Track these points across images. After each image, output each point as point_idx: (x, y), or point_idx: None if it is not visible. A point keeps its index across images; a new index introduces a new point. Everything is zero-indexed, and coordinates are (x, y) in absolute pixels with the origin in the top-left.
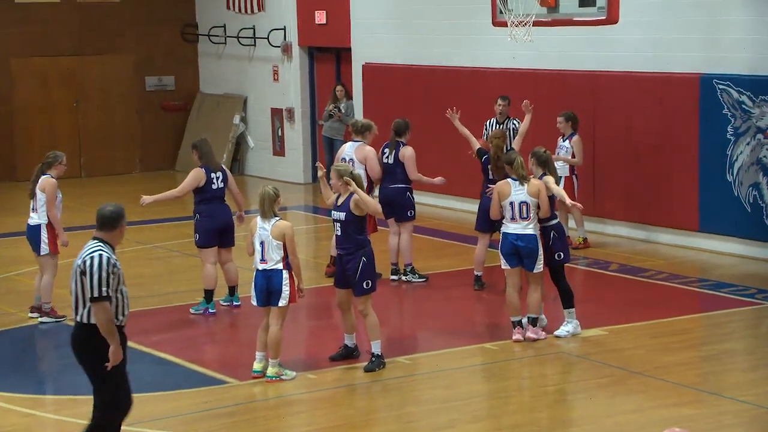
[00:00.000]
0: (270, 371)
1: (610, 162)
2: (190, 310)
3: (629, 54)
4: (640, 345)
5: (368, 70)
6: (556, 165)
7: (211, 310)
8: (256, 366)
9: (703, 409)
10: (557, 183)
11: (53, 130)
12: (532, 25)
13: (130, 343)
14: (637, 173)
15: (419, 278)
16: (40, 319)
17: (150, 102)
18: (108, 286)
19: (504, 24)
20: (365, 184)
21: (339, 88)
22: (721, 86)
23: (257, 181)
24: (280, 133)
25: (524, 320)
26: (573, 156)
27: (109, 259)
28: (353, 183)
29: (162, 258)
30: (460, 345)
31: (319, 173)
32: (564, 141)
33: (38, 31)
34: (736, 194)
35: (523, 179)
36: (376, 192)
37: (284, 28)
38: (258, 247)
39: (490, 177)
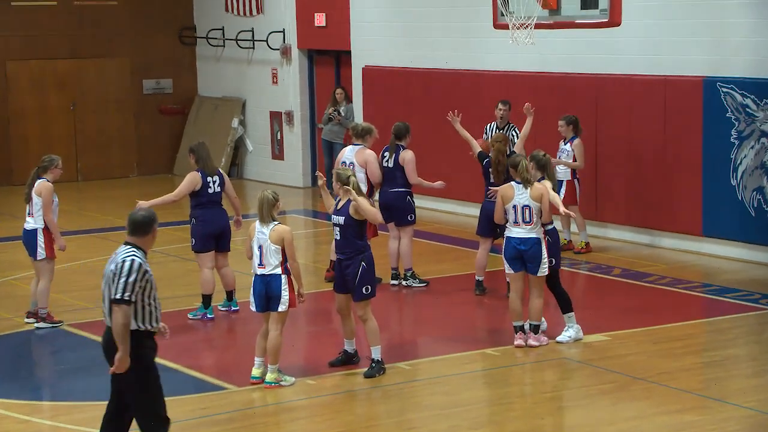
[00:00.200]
0: (269, 377)
1: (612, 166)
2: (188, 315)
3: (632, 57)
4: (643, 351)
5: (368, 73)
6: (558, 169)
7: (209, 316)
8: (255, 372)
9: (706, 415)
10: (555, 187)
11: (50, 133)
12: (534, 28)
13: None
14: (640, 177)
15: (420, 283)
16: (36, 325)
17: (147, 105)
18: (132, 291)
19: (505, 26)
20: (365, 189)
21: (339, 91)
22: (724, 89)
23: (256, 185)
24: (279, 137)
25: (526, 326)
26: (574, 159)
27: (141, 264)
28: (353, 191)
29: (159, 263)
30: (461, 351)
31: (320, 182)
32: (565, 144)
33: (35, 34)
34: (740, 198)
35: (527, 183)
36: (377, 196)
37: (283, 31)
38: (256, 252)
39: (491, 181)
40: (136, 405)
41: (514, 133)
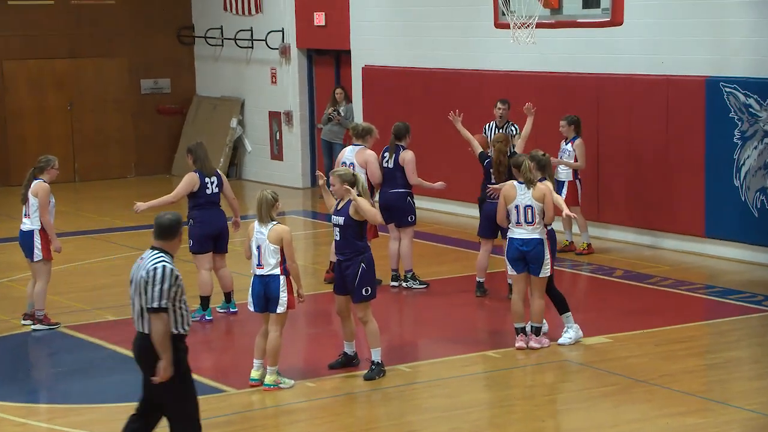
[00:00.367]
0: (268, 379)
1: (614, 166)
2: None
3: (634, 56)
4: (645, 353)
5: (368, 73)
6: (559, 169)
7: (207, 317)
8: (254, 374)
9: (709, 418)
10: (555, 188)
11: (47, 133)
12: (535, 27)
13: (124, 351)
14: (642, 178)
15: (420, 285)
16: (33, 327)
17: (145, 105)
18: (168, 297)
19: (506, 26)
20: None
21: (338, 91)
22: (727, 89)
23: (255, 186)
24: (278, 137)
25: (527, 328)
26: (576, 160)
27: (172, 270)
28: (353, 192)
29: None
30: (461, 353)
31: (320, 182)
32: (567, 144)
33: (32, 34)
34: (743, 199)
35: (529, 183)
36: (377, 197)
37: (282, 30)
38: (255, 252)
39: (492, 181)
40: (174, 410)
41: (515, 129)
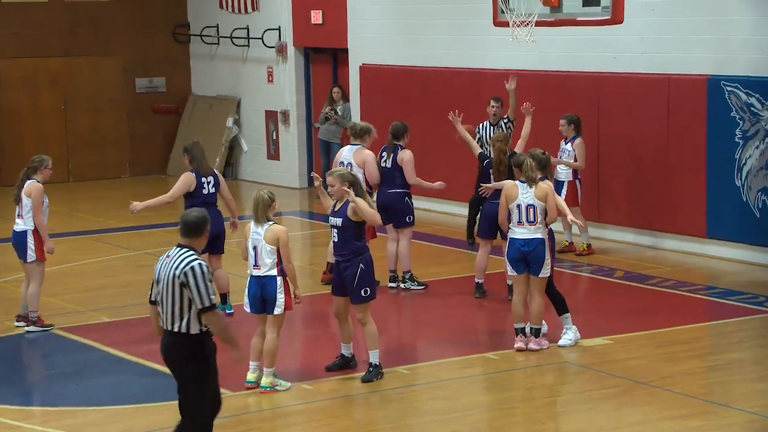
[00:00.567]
0: (264, 381)
1: (614, 166)
2: None
3: (634, 55)
4: (646, 354)
5: (366, 72)
6: (559, 169)
7: None
8: (250, 376)
9: (710, 420)
10: (554, 187)
11: (41, 133)
12: (535, 26)
13: (119, 353)
14: (643, 178)
15: (418, 286)
16: (26, 328)
17: (140, 104)
18: (213, 293)
19: (505, 24)
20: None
21: (336, 90)
22: (729, 88)
23: (251, 186)
24: (274, 137)
25: (527, 329)
26: (575, 160)
27: (207, 267)
28: (351, 193)
29: (151, 265)
30: (460, 354)
31: (316, 183)
32: (566, 144)
33: (26, 33)
34: (744, 199)
35: (531, 182)
36: (374, 197)
37: (279, 28)
38: (251, 252)
39: (491, 182)
40: (187, 407)
41: (511, 126)
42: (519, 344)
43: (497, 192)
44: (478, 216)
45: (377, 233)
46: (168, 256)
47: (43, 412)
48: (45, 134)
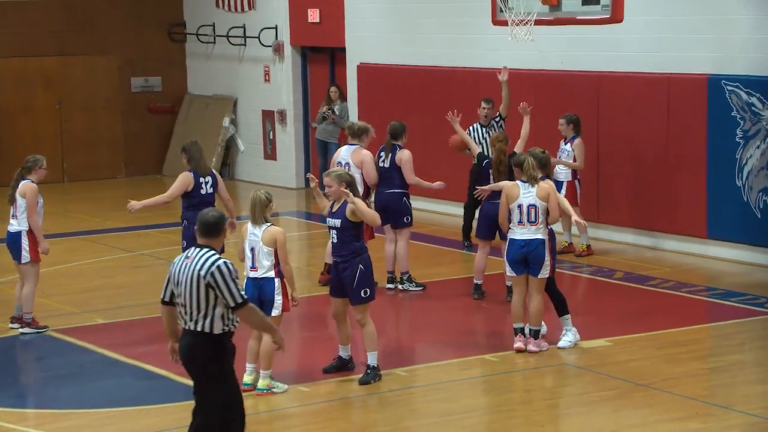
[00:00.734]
0: (261, 384)
1: (614, 166)
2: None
3: (634, 54)
4: (646, 356)
5: (363, 71)
6: (558, 169)
7: None
8: (246, 378)
9: (711, 422)
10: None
11: (35, 133)
12: (534, 24)
13: (114, 355)
14: (643, 178)
15: (416, 287)
16: (21, 330)
17: (136, 104)
18: (242, 289)
19: (504, 23)
20: (361, 189)
21: (333, 89)
22: (729, 87)
23: (248, 186)
24: (271, 136)
25: (526, 329)
26: (574, 160)
27: (232, 265)
28: (350, 194)
29: (147, 266)
30: (459, 356)
31: (312, 184)
32: (566, 144)
33: (20, 31)
34: (745, 200)
35: (533, 181)
36: (372, 198)
37: (276, 27)
38: (248, 254)
39: (490, 182)
40: (206, 402)
41: (501, 123)
42: (518, 344)
43: (496, 192)
44: (475, 218)
45: (375, 234)
46: (187, 257)
47: (38, 415)
48: (39, 134)
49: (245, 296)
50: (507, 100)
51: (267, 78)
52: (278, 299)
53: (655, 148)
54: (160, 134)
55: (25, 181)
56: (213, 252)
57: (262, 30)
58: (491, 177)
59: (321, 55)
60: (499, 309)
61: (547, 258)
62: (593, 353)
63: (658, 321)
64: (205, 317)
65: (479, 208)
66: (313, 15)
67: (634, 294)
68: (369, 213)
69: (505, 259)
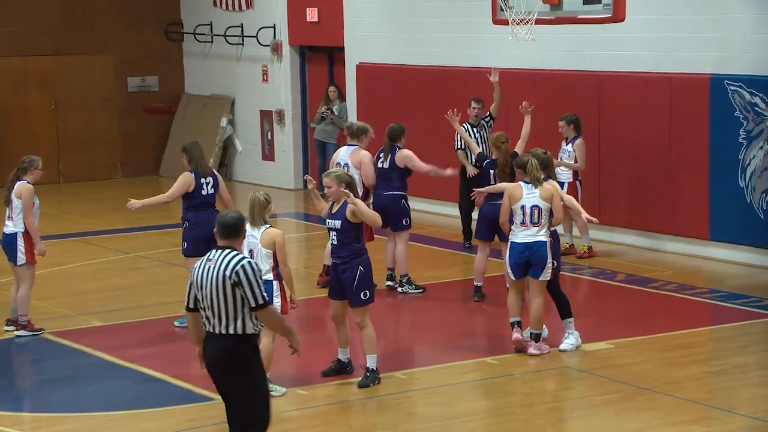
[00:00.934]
0: None
1: (616, 167)
2: (175, 322)
3: (636, 53)
4: (648, 359)
5: (362, 71)
6: (559, 170)
7: None
8: None
9: (714, 426)
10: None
11: (31, 133)
12: (535, 23)
13: (110, 358)
14: (645, 179)
15: (416, 289)
16: (16, 333)
17: (132, 104)
18: (265, 290)
19: (505, 22)
20: (360, 190)
21: (332, 89)
22: (732, 87)
23: (246, 187)
24: (269, 137)
25: (526, 334)
26: (575, 160)
27: (257, 265)
28: (350, 194)
29: (145, 268)
30: (459, 359)
31: (310, 186)
32: (566, 145)
33: (16, 30)
34: (748, 201)
35: (536, 182)
36: (371, 199)
37: (274, 26)
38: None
39: (491, 183)
40: (251, 410)
41: (490, 122)
42: (516, 335)
43: (495, 193)
44: (472, 217)
45: (374, 236)
46: (209, 260)
47: (33, 418)
48: (35, 134)
49: (267, 298)
50: (498, 101)
51: (265, 78)
52: (277, 302)
53: (657, 148)
54: (157, 134)
55: (21, 182)
56: (236, 252)
57: (260, 29)
58: (492, 178)
59: (319, 55)
60: (499, 311)
61: (549, 260)
62: (595, 356)
63: (660, 323)
64: (235, 319)
65: (479, 209)
66: (312, 14)
67: (636, 296)
68: (369, 213)
69: (506, 262)
